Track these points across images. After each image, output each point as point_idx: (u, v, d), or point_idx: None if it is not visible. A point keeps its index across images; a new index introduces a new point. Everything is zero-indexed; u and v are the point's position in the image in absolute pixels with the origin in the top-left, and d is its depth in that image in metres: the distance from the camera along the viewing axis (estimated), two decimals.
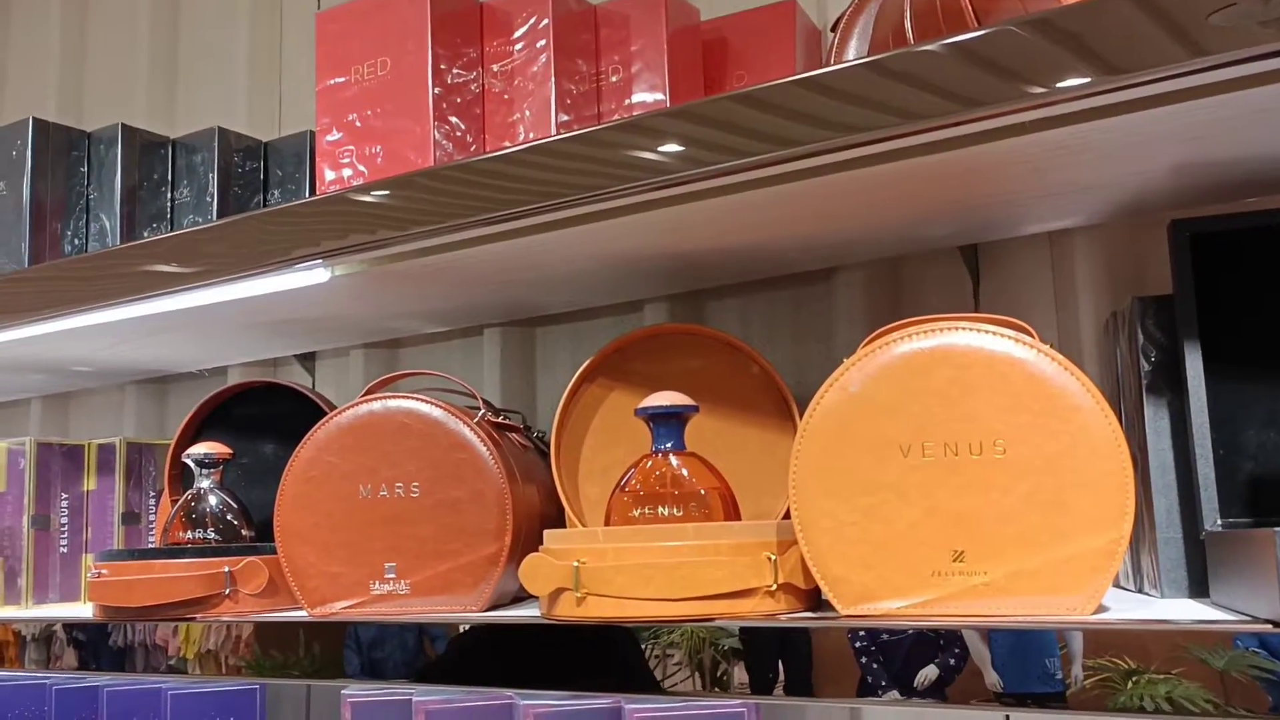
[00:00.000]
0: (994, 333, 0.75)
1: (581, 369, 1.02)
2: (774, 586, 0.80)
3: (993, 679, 0.71)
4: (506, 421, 1.07)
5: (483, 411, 1.03)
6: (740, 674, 0.80)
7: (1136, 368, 0.86)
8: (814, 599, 0.84)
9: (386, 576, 0.99)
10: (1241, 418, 0.82)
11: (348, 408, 1.02)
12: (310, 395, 1.29)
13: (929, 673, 0.73)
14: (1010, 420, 0.74)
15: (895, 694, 0.75)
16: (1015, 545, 0.73)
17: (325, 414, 1.26)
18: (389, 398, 1.02)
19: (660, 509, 0.88)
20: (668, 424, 0.90)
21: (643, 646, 0.82)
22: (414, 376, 1.14)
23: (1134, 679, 0.65)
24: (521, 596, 1.09)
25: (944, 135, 0.75)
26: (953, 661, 0.72)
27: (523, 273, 1.12)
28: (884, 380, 0.77)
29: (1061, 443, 0.73)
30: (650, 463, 0.90)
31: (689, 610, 0.79)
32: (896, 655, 0.74)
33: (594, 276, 1.15)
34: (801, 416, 0.98)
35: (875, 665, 0.75)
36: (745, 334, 1.20)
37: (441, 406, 1.00)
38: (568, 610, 0.83)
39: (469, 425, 1.00)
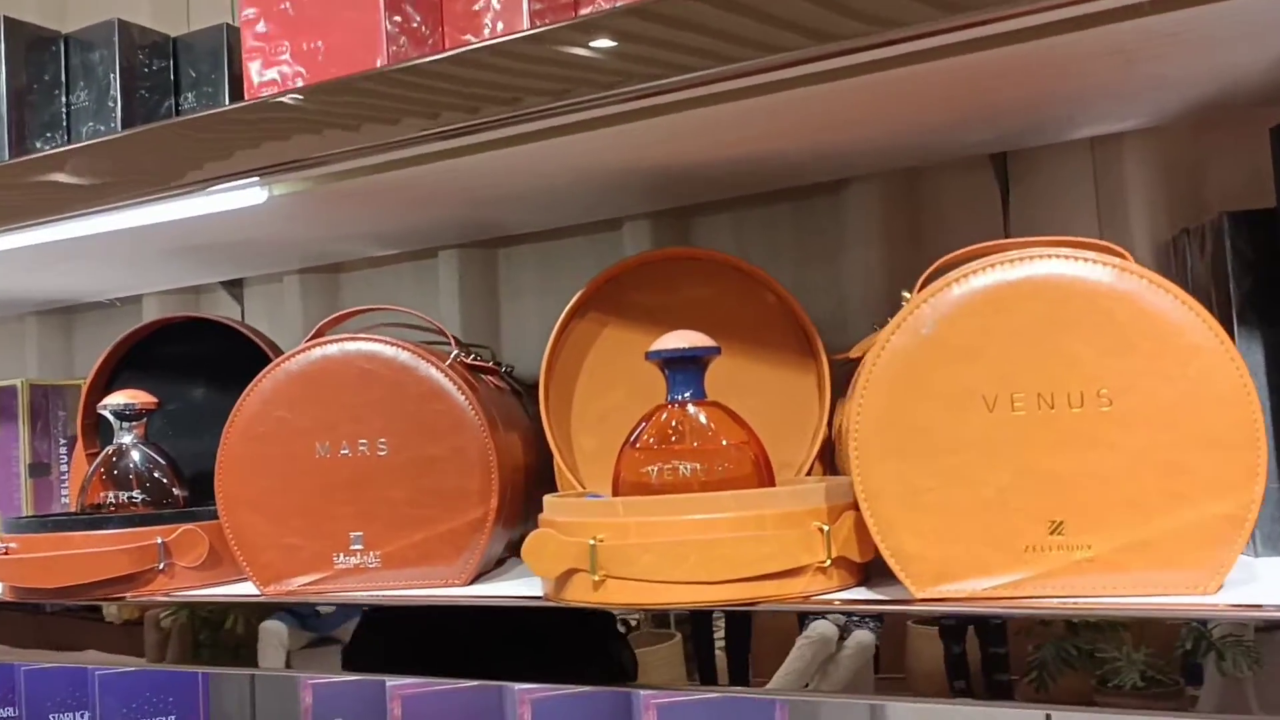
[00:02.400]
0: (1093, 260, 0.63)
1: (571, 303, 0.88)
2: (827, 562, 0.68)
3: None
4: (479, 362, 0.93)
5: (455, 353, 0.89)
6: None
7: (1224, 292, 0.75)
8: (865, 572, 0.72)
9: (353, 548, 0.85)
10: None
11: (297, 353, 0.87)
12: (243, 330, 1.13)
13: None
14: (1116, 365, 0.62)
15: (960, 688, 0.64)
16: (1124, 513, 0.61)
17: (261, 351, 1.11)
18: (345, 340, 0.87)
19: (681, 467, 0.75)
20: (685, 370, 0.77)
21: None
22: (368, 313, 0.99)
23: None
24: (505, 558, 0.97)
25: (1030, 23, 0.62)
26: None
27: (487, 190, 0.97)
28: (962, 320, 0.64)
29: (1178, 390, 0.61)
30: (666, 414, 0.77)
31: (729, 594, 0.67)
32: None
33: (568, 193, 1.01)
34: (824, 351, 0.86)
35: None
36: (740, 256, 1.07)
37: (409, 349, 0.86)
38: (582, 595, 0.70)
39: (442, 370, 0.85)
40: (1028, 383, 0.63)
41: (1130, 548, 0.61)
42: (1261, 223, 0.73)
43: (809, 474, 0.88)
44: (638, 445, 0.77)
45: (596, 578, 0.69)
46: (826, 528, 0.68)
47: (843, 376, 0.89)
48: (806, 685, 0.66)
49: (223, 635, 0.87)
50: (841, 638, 0.65)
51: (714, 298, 0.89)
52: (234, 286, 1.39)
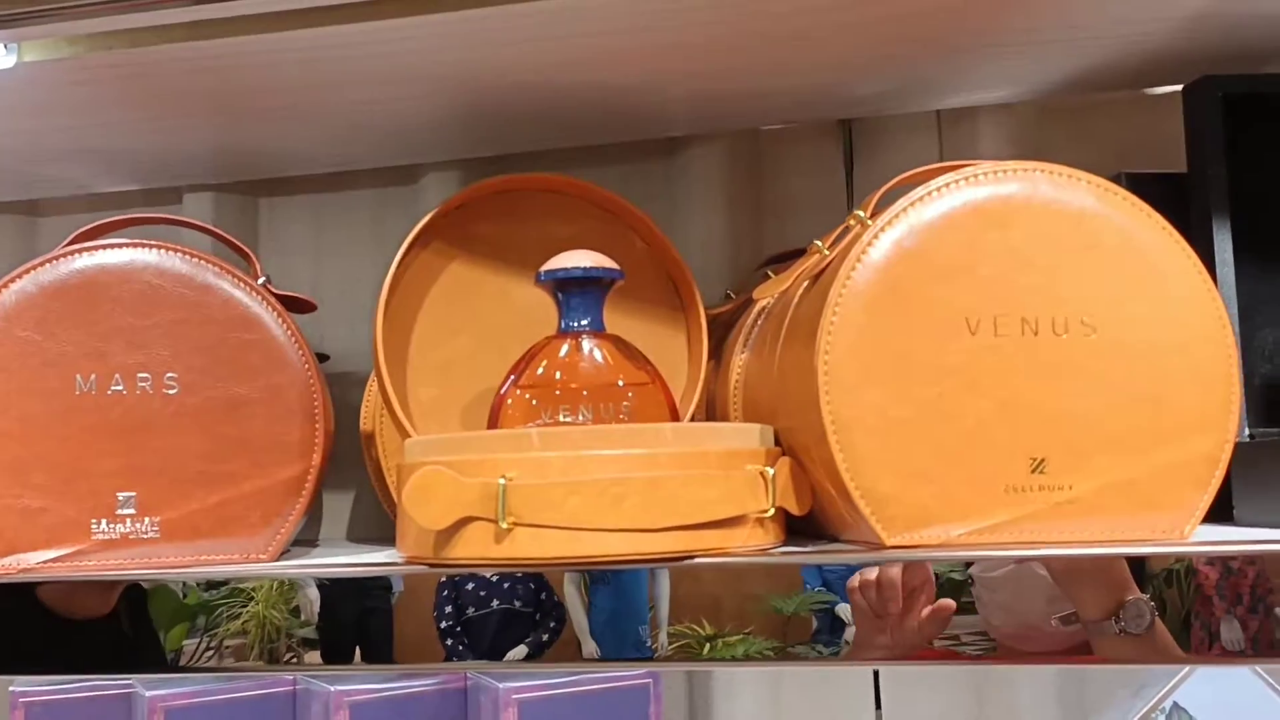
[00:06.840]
0: (1084, 181, 0.59)
1: (415, 230, 0.74)
2: (770, 511, 0.59)
3: (590, 648, 0.59)
4: (291, 294, 0.76)
5: (263, 278, 0.72)
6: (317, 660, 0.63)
7: None
8: (787, 531, 0.63)
9: (120, 512, 0.65)
10: (1255, 316, 0.72)
11: (50, 260, 0.67)
12: None
13: (518, 654, 0.62)
14: (1101, 291, 0.57)
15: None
16: (1107, 451, 0.57)
17: None
18: (126, 246, 0.68)
19: (580, 414, 0.63)
20: (585, 294, 0.66)
21: (195, 641, 0.70)
22: (153, 224, 0.80)
23: (711, 643, 0.59)
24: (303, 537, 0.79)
25: None
26: (545, 637, 0.61)
27: (243, 95, 0.80)
28: (950, 233, 0.57)
29: (1161, 322, 0.58)
30: (558, 348, 0.65)
31: (669, 545, 0.56)
32: (484, 634, 0.62)
33: (351, 112, 0.85)
34: (700, 306, 0.77)
35: (461, 647, 0.62)
36: None
37: (213, 263, 0.69)
38: (478, 549, 0.56)
39: (256, 291, 0.69)
40: (1012, 305, 0.57)
41: (1111, 488, 0.56)
42: (1169, 184, 0.72)
43: None
44: (522, 384, 0.65)
45: (504, 525, 0.55)
46: (771, 471, 0.59)
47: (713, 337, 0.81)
48: None
49: None
50: None
51: (574, 238, 0.78)
52: None
